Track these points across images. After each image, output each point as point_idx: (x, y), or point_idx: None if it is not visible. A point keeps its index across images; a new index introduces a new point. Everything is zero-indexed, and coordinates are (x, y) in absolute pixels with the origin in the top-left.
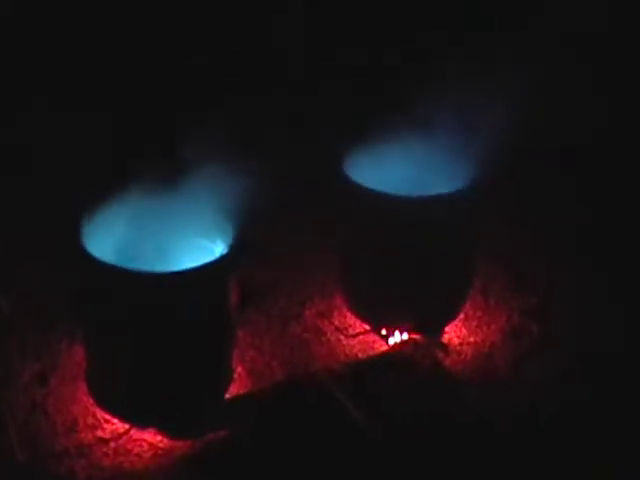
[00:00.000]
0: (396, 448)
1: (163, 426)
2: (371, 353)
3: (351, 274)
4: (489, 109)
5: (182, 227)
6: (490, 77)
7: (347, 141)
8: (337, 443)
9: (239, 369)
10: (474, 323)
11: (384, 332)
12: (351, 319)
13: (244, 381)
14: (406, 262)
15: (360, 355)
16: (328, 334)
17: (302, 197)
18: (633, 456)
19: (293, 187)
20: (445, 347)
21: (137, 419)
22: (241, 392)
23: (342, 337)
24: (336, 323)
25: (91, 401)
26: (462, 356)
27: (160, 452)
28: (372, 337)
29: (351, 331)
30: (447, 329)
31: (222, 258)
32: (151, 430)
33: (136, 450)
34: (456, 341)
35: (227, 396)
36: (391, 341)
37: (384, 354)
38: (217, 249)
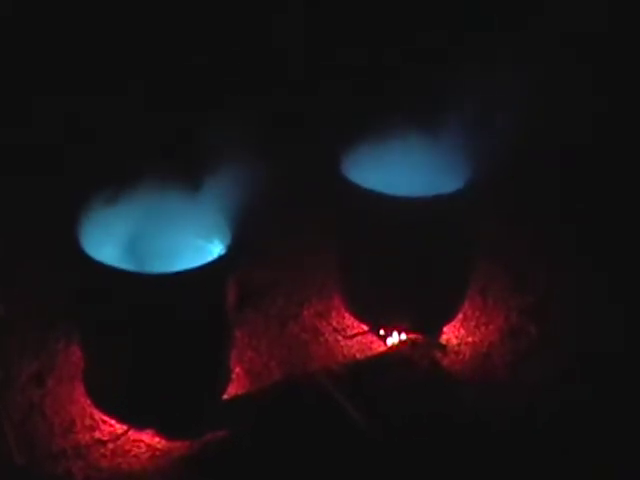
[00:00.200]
0: (394, 448)
1: (161, 427)
2: (369, 353)
3: (350, 274)
4: (489, 110)
5: (181, 227)
6: (490, 77)
7: (347, 141)
8: (335, 443)
9: (237, 369)
10: (472, 323)
11: (382, 332)
12: (349, 320)
13: (242, 381)
14: (405, 262)
15: (358, 355)
16: (326, 334)
17: (302, 197)
18: (633, 456)
19: (293, 187)
20: (443, 347)
21: (135, 420)
22: (239, 392)
23: (340, 337)
24: (334, 324)
25: (89, 402)
26: (460, 356)
27: (158, 453)
28: (370, 337)
29: (349, 331)
30: (445, 329)
31: (220, 258)
32: (149, 431)
33: (134, 451)
34: (454, 341)
35: (225, 396)
36: (389, 341)
37: (382, 354)
38: (215, 249)
